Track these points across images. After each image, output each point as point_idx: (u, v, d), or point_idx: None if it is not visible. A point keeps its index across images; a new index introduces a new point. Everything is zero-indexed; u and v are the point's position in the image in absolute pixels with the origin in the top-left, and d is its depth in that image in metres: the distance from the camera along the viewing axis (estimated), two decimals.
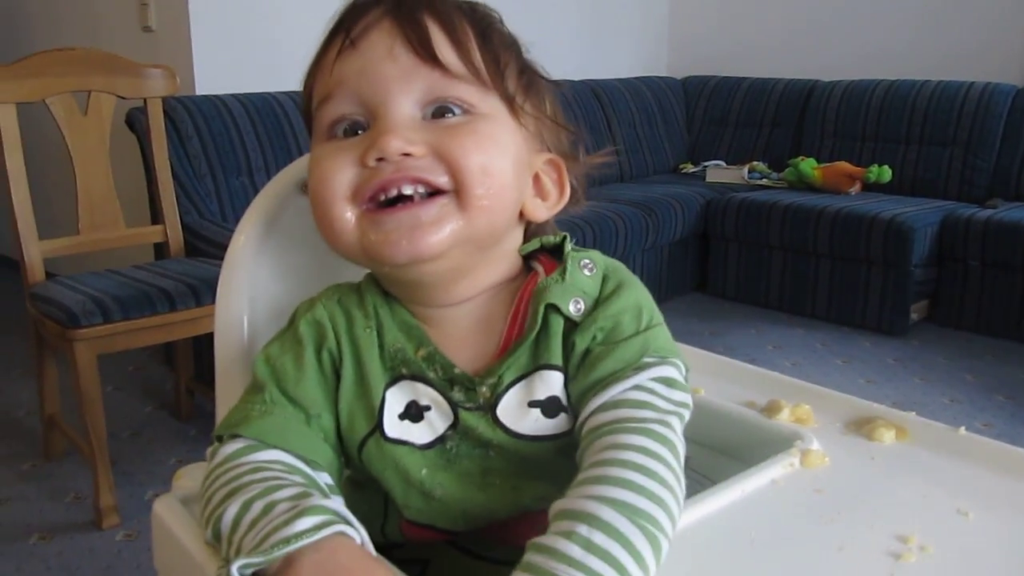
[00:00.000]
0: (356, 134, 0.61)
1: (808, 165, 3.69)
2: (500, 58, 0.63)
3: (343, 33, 0.61)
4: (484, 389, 0.63)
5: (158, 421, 2.51)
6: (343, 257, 0.64)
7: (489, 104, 0.62)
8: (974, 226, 3.14)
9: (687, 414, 0.62)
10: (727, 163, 4.17)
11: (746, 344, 3.14)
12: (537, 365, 0.63)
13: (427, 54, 0.60)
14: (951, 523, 0.64)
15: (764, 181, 3.89)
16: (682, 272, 3.71)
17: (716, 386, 0.89)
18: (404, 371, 0.64)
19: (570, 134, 0.70)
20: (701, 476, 0.80)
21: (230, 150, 2.72)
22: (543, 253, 0.69)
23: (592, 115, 4.00)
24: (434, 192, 0.59)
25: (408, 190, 0.59)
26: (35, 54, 2.09)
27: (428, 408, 0.64)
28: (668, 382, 0.62)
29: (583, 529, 0.50)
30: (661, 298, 3.61)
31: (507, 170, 0.62)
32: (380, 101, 0.60)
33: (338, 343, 0.65)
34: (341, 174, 0.60)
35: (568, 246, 0.67)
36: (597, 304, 0.64)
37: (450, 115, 0.61)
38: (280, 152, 2.80)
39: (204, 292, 2.01)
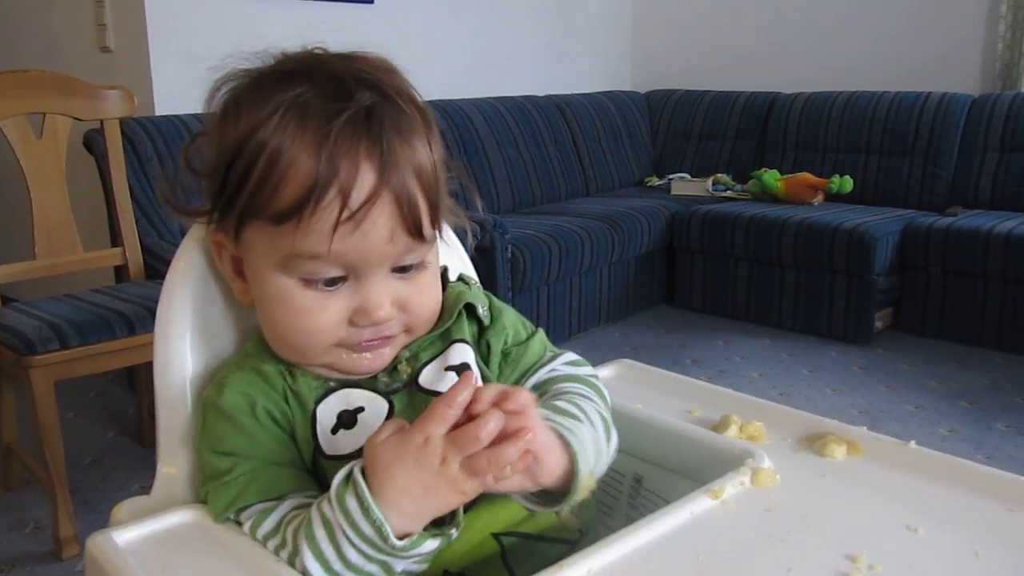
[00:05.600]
0: (334, 283, 0.66)
1: (771, 176, 3.72)
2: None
3: (341, 199, 0.61)
4: (404, 365, 0.71)
5: (120, 447, 2.47)
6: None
7: (433, 250, 0.70)
8: (935, 234, 3.18)
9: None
10: (691, 176, 4.20)
11: (713, 355, 3.16)
12: (450, 341, 0.73)
13: (419, 235, 0.66)
14: (901, 540, 0.64)
15: (728, 193, 3.92)
16: (649, 285, 3.72)
17: (668, 403, 0.88)
18: (332, 384, 0.70)
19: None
20: (654, 495, 0.80)
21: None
22: None
23: (557, 130, 4.01)
24: None
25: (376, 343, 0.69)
26: None
27: (361, 409, 0.70)
28: (575, 363, 0.78)
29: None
30: (628, 311, 3.65)
31: (439, 289, 0.73)
32: (368, 272, 0.65)
33: (267, 397, 0.69)
34: (331, 332, 0.66)
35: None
36: (492, 315, 0.76)
37: (409, 268, 0.68)
38: None
39: None
